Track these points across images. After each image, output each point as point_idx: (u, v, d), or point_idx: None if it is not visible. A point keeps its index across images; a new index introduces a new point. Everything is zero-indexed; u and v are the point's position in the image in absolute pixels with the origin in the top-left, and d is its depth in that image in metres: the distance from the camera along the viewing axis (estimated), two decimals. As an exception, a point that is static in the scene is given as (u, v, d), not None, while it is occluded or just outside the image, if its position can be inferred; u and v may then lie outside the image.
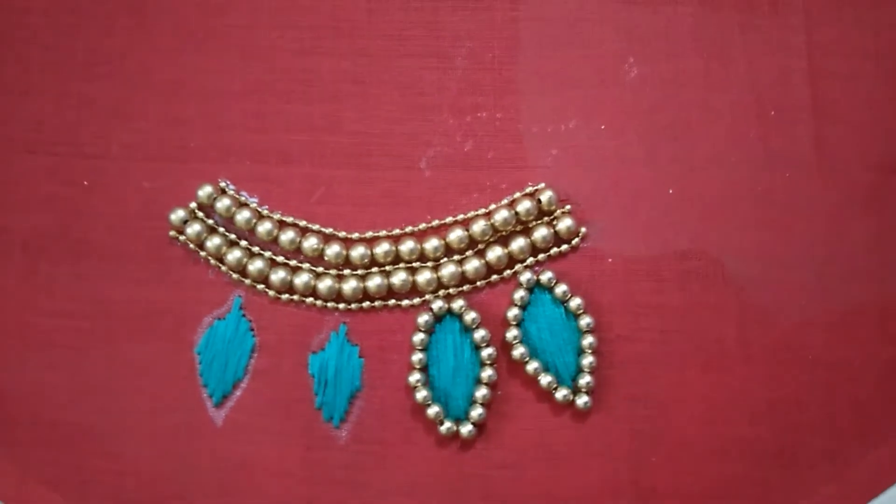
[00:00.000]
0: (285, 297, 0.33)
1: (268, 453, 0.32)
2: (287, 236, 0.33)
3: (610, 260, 0.32)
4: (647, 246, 0.32)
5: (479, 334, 0.32)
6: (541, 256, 0.32)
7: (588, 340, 0.32)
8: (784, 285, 0.32)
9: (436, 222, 0.33)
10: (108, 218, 0.34)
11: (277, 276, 0.33)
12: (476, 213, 0.33)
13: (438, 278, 0.32)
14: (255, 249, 0.33)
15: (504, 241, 0.33)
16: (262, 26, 0.34)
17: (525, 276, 0.32)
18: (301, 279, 0.33)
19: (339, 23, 0.34)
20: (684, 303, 0.32)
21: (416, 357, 0.32)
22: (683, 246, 0.32)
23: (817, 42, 0.33)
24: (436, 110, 0.33)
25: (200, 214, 0.33)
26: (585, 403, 0.31)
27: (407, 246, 0.32)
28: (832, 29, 0.33)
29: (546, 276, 0.32)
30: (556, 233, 0.32)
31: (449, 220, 0.33)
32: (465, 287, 0.33)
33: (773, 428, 0.32)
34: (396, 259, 0.33)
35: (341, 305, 0.33)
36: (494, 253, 0.32)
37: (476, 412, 0.32)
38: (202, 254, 0.33)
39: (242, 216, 0.33)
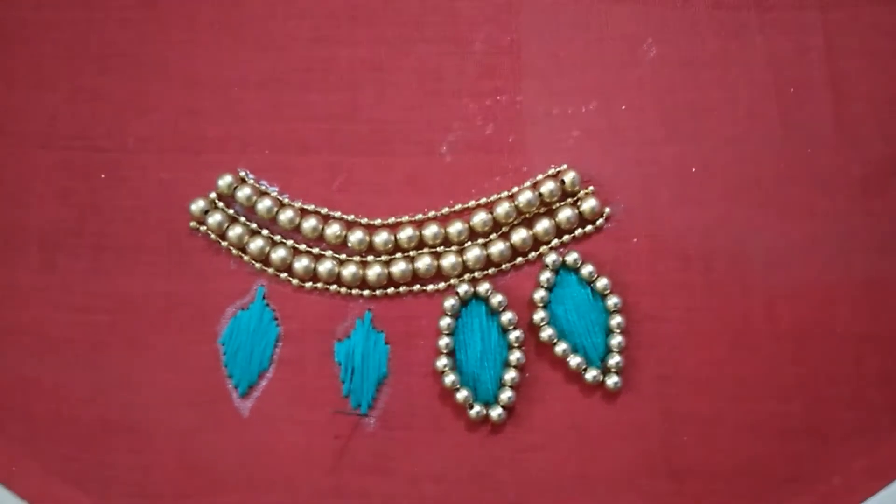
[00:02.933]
0: (309, 285, 0.33)
1: (295, 443, 0.32)
2: (309, 224, 0.32)
3: (635, 240, 0.32)
4: (671, 225, 0.32)
5: (506, 317, 0.32)
6: (565, 238, 0.32)
7: (616, 320, 0.31)
8: (808, 261, 0.32)
9: (458, 206, 0.33)
10: (125, 211, 0.34)
11: (301, 264, 0.32)
12: (499, 195, 0.33)
13: (463, 262, 0.32)
14: (277, 238, 0.33)
15: (528, 223, 0.33)
16: (277, 16, 0.34)
17: (551, 258, 0.32)
18: (325, 266, 0.32)
19: (356, 10, 0.34)
20: (710, 281, 0.32)
21: (443, 342, 0.32)
22: (707, 224, 0.32)
23: (833, 19, 0.33)
24: (455, 95, 0.33)
25: (221, 204, 0.33)
26: (615, 384, 0.31)
27: (431, 230, 0.32)
28: (847, 6, 0.33)
29: (572, 257, 0.32)
30: (580, 214, 0.32)
31: (472, 203, 0.33)
32: (491, 270, 0.32)
33: (803, 404, 0.32)
34: (420, 244, 0.32)
35: (366, 292, 0.32)
36: (519, 235, 0.32)
37: (505, 395, 0.31)
38: (223, 244, 0.33)
39: (264, 205, 0.33)
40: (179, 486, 0.32)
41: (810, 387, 0.32)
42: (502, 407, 0.31)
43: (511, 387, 0.31)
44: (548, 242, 0.32)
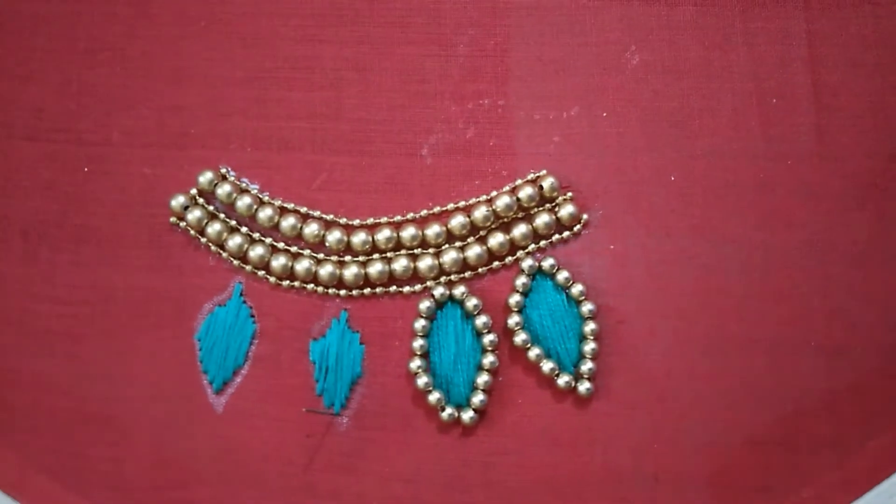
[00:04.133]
0: (286, 283, 0.33)
1: (268, 440, 0.32)
2: (288, 222, 0.33)
3: (612, 247, 0.32)
4: (648, 233, 0.32)
5: (481, 321, 0.32)
6: (542, 243, 0.32)
7: (590, 327, 0.31)
8: (785, 272, 0.32)
9: (437, 209, 0.33)
10: (108, 205, 0.34)
11: (278, 262, 0.33)
12: (478, 199, 0.33)
13: (440, 265, 0.32)
14: (256, 236, 0.33)
15: (506, 227, 0.33)
16: (263, 14, 0.34)
17: (527, 263, 0.32)
18: (302, 265, 0.32)
19: (341, 10, 0.34)
20: (686, 289, 0.32)
21: (418, 343, 0.32)
22: (685, 233, 0.32)
23: (817, 30, 0.33)
24: (438, 97, 0.33)
25: (201, 201, 0.33)
26: (587, 390, 0.31)
27: (408, 232, 0.32)
28: (832, 17, 0.33)
29: (548, 263, 0.32)
30: (557, 219, 0.32)
31: (450, 206, 0.33)
32: (467, 274, 0.33)
33: (775, 414, 0.32)
34: (398, 245, 0.33)
35: (342, 292, 0.33)
36: (496, 239, 0.32)
37: (477, 398, 0.31)
38: (203, 240, 0.33)
39: (243, 202, 0.33)
40: (154, 478, 0.33)
41: (782, 398, 0.32)
42: (474, 410, 0.32)
43: (483, 390, 0.32)
44: (524, 247, 0.32)
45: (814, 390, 0.32)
